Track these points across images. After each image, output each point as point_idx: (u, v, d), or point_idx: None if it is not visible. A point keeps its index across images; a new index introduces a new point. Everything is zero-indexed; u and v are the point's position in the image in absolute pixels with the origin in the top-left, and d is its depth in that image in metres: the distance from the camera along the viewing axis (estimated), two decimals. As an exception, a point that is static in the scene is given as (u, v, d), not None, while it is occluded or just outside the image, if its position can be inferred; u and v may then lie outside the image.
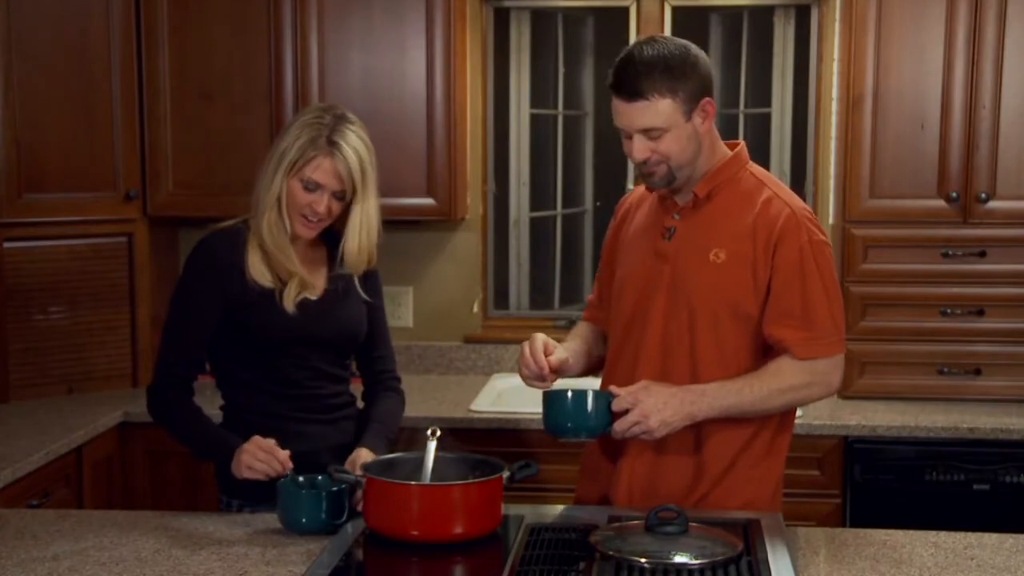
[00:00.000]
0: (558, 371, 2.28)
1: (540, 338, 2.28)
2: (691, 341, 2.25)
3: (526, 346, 2.27)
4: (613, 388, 2.17)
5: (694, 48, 2.21)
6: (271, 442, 2.24)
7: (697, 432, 2.24)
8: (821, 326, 2.23)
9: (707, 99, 2.20)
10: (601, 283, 2.49)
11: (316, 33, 3.53)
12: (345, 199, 2.33)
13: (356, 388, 2.54)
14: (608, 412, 2.15)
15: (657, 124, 2.16)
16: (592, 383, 2.35)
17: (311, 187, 2.29)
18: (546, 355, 2.26)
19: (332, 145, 2.28)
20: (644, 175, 2.25)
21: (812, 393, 2.27)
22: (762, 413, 2.25)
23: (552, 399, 2.19)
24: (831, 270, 2.26)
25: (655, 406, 2.13)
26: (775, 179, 2.33)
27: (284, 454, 2.22)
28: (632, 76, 2.15)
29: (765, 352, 2.26)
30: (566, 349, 2.35)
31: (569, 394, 2.17)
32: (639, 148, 2.19)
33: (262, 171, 2.34)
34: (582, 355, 2.42)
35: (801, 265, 2.21)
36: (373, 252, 2.41)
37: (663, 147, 2.18)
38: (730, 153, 2.29)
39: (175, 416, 2.37)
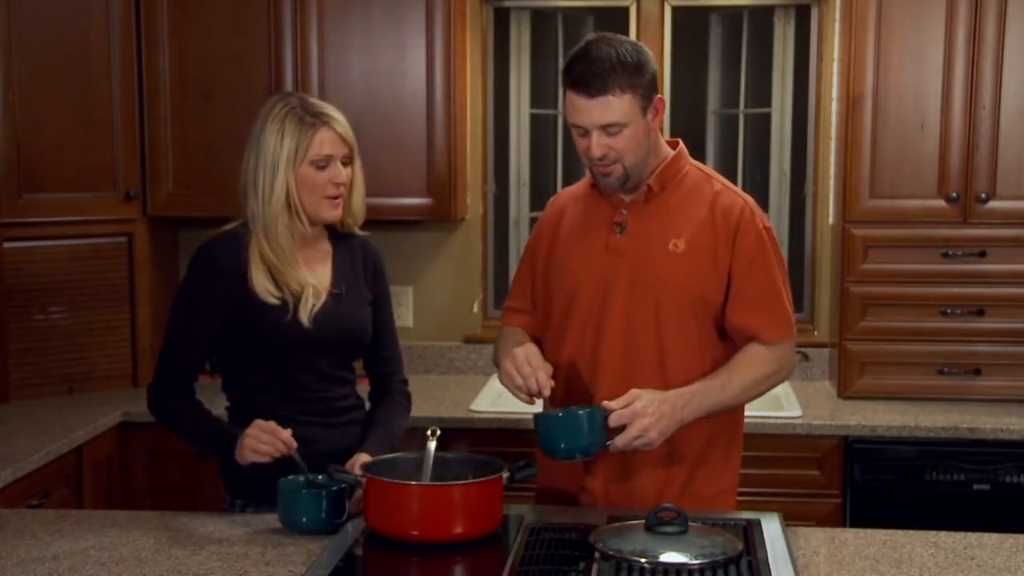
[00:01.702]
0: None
1: (521, 354, 2.21)
2: (657, 332, 2.27)
3: (512, 369, 2.21)
4: (606, 403, 2.15)
5: (644, 47, 2.26)
6: (272, 424, 2.23)
7: None
8: (782, 309, 2.31)
9: (659, 96, 2.25)
10: (534, 287, 2.46)
11: (316, 33, 3.53)
12: (350, 162, 2.36)
13: (363, 388, 2.54)
14: (604, 429, 2.14)
15: (618, 119, 2.19)
16: None
17: (323, 163, 2.31)
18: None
19: (319, 116, 2.31)
20: (600, 175, 2.27)
21: (780, 378, 2.33)
22: (740, 405, 2.32)
23: (546, 421, 2.16)
24: (781, 255, 2.35)
25: (652, 417, 2.13)
26: (716, 172, 2.40)
27: (286, 433, 2.22)
28: (595, 73, 2.18)
29: (722, 339, 2.30)
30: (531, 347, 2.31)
31: (562, 414, 2.15)
32: (598, 144, 2.21)
33: (252, 184, 2.33)
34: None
35: (761, 252, 2.28)
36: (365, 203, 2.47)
37: (620, 144, 2.21)
38: (672, 149, 2.34)
39: (176, 414, 2.37)
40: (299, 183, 2.30)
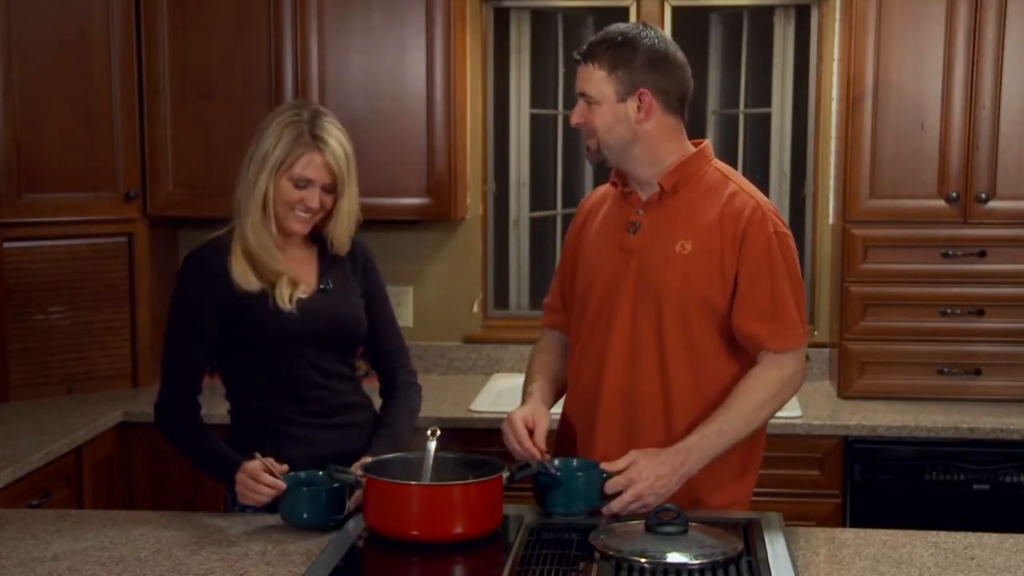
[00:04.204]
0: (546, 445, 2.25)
1: (519, 420, 2.24)
2: (659, 332, 2.26)
3: (510, 434, 2.23)
4: (604, 466, 2.15)
5: (663, 45, 2.26)
6: (256, 466, 2.22)
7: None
8: (789, 318, 2.25)
9: (643, 89, 2.24)
10: (563, 284, 2.49)
11: (316, 33, 3.53)
12: (335, 191, 2.36)
13: (371, 388, 2.54)
14: (601, 490, 2.14)
15: (589, 91, 2.25)
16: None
17: (302, 184, 2.32)
18: (531, 433, 2.23)
19: (317, 140, 2.31)
20: (584, 144, 2.33)
21: (785, 396, 2.28)
22: (753, 433, 2.27)
23: (544, 480, 2.17)
24: (795, 262, 2.28)
25: (648, 481, 2.12)
26: (739, 175, 2.36)
27: (269, 479, 2.20)
28: (590, 42, 2.27)
29: (730, 344, 2.28)
30: (539, 399, 2.34)
31: (560, 474, 2.16)
32: (577, 111, 2.29)
33: (241, 176, 2.36)
34: (552, 393, 2.42)
35: (768, 257, 2.24)
36: (354, 232, 2.46)
37: (592, 117, 2.26)
38: (693, 149, 2.33)
39: (185, 438, 2.38)
40: (276, 190, 2.32)
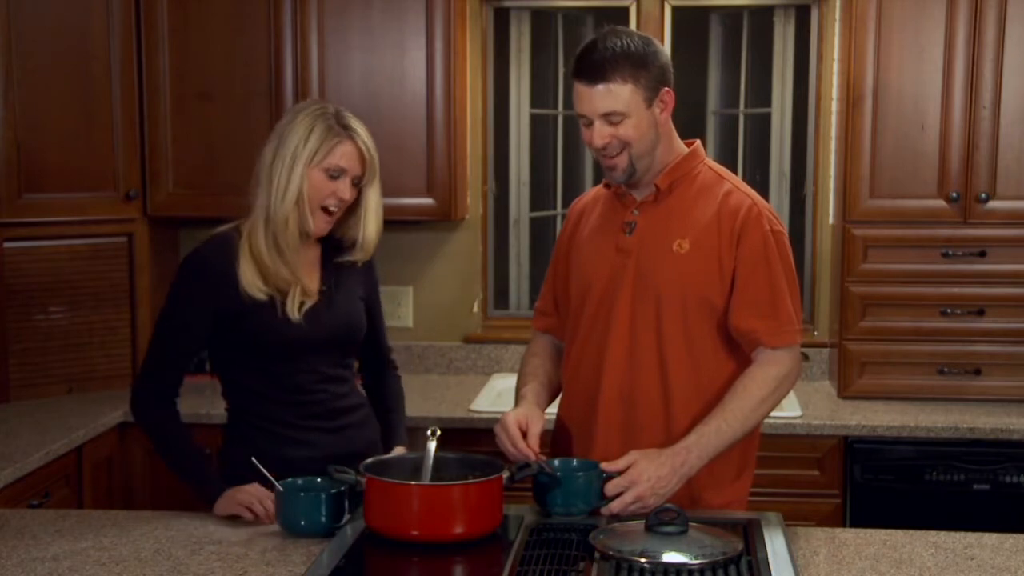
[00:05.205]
0: (541, 445, 2.25)
1: (512, 422, 2.23)
2: (658, 332, 2.26)
3: (503, 435, 2.23)
4: (604, 466, 2.15)
5: (655, 41, 2.27)
6: (255, 491, 2.23)
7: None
8: (785, 314, 2.26)
9: (666, 89, 2.25)
10: (555, 287, 2.48)
11: (316, 33, 3.53)
12: (360, 184, 2.35)
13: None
14: (601, 491, 2.15)
15: (618, 108, 2.20)
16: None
17: (336, 174, 2.30)
18: (524, 435, 2.22)
19: (347, 130, 2.31)
20: (605, 168, 2.28)
21: (781, 394, 2.29)
22: (751, 431, 2.27)
23: (543, 480, 2.17)
24: (790, 259, 2.30)
25: (649, 481, 2.13)
26: (731, 173, 2.37)
27: (268, 500, 2.21)
28: (595, 62, 2.20)
29: (729, 342, 2.28)
30: (532, 401, 2.34)
31: (560, 474, 2.16)
32: (600, 133, 2.22)
33: (263, 179, 2.31)
34: (545, 398, 2.41)
35: (765, 255, 2.25)
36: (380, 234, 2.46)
37: (623, 132, 2.22)
38: (687, 149, 2.33)
39: (158, 429, 2.38)
40: (310, 183, 2.30)
